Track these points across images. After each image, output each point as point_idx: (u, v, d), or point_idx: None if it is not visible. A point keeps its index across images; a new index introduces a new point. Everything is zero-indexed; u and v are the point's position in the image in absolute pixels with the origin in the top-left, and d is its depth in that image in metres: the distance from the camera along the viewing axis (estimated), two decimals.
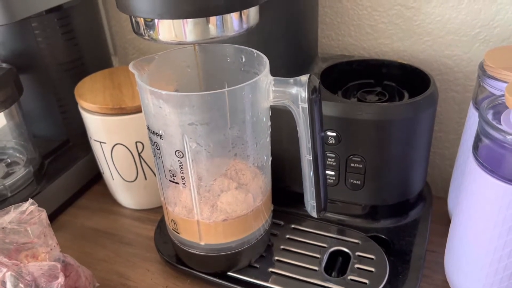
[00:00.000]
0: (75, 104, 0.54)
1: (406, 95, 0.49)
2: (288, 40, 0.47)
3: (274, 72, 0.39)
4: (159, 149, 0.40)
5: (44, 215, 0.41)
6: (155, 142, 0.39)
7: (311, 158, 0.40)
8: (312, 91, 0.37)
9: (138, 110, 0.51)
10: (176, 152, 0.38)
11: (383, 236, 0.48)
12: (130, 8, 0.34)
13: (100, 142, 0.53)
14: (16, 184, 0.55)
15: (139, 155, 0.53)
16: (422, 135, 0.46)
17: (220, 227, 0.42)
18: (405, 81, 0.50)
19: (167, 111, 0.36)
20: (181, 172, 0.39)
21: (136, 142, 0.52)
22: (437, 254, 0.49)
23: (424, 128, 0.45)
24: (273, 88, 0.38)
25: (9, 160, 0.58)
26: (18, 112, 0.56)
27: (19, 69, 0.55)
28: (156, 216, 0.57)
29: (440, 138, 0.59)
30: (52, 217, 0.58)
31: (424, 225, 0.49)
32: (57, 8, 0.55)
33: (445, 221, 0.54)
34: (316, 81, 0.37)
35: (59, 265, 0.39)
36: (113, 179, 0.56)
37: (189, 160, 0.38)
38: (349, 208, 0.50)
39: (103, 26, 0.65)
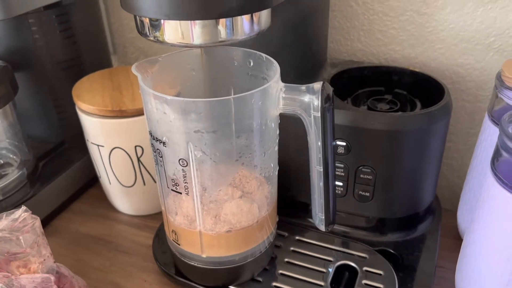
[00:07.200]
0: (72, 104, 0.52)
1: (419, 104, 0.47)
2: (297, 44, 0.45)
3: (282, 77, 0.37)
4: (161, 157, 0.37)
5: (37, 223, 0.39)
6: (157, 149, 0.37)
7: (322, 169, 0.38)
8: (326, 99, 0.35)
9: (138, 113, 0.49)
10: (180, 161, 0.36)
11: (391, 251, 0.46)
12: (136, 7, 0.32)
13: (98, 145, 0.51)
14: (9, 187, 0.53)
15: (138, 160, 0.51)
16: (435, 146, 0.44)
17: (223, 239, 0.40)
18: (416, 89, 0.49)
19: (172, 117, 0.34)
20: (185, 181, 0.37)
21: (135, 146, 0.50)
22: (446, 270, 0.47)
23: (437, 139, 0.44)
24: (284, 95, 0.36)
25: (1, 161, 0.56)
26: (12, 112, 0.54)
27: (15, 66, 0.53)
28: (154, 223, 0.55)
29: (449, 148, 0.58)
30: (46, 222, 0.55)
31: (433, 239, 0.48)
32: (56, 4, 0.53)
33: (454, 235, 0.52)
34: (330, 89, 0.35)
35: (52, 277, 0.37)
36: (110, 183, 0.54)
37: (193, 169, 0.36)
38: (355, 220, 0.48)
39: (103, 24, 0.63)
